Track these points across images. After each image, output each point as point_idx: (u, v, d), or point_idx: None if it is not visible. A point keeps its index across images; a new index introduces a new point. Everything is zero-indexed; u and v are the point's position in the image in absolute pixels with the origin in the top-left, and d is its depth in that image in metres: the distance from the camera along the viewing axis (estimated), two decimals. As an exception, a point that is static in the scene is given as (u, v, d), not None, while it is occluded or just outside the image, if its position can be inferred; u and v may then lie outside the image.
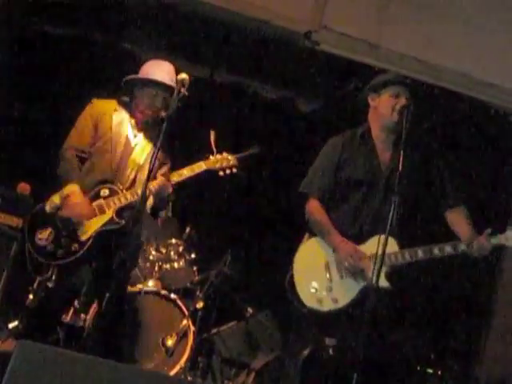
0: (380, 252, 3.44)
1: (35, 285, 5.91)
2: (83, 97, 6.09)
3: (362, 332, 3.26)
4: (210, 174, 4.35)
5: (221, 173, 4.33)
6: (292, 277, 3.85)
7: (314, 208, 3.92)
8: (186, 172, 4.24)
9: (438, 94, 5.61)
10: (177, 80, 3.84)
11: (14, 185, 6.41)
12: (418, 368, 5.58)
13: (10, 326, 5.80)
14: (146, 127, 4.35)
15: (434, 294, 6.30)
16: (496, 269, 6.16)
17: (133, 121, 4.34)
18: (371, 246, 3.70)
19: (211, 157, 4.34)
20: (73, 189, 4.11)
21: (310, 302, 3.75)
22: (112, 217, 4.12)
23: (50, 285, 5.74)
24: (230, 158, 4.36)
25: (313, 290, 3.75)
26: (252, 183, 6.61)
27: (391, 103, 3.80)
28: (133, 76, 4.35)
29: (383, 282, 3.63)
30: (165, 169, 4.37)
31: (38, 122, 6.63)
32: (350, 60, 5.74)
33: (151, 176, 3.64)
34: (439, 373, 5.62)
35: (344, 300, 3.69)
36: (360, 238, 3.79)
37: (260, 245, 6.14)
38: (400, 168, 3.39)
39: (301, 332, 4.01)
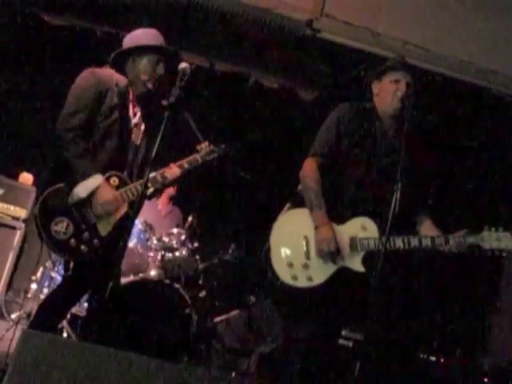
0: (359, 235, 3.61)
1: (38, 274, 5.96)
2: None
3: (368, 321, 3.26)
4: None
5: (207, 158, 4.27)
6: (269, 248, 3.81)
7: (310, 170, 3.84)
8: (186, 165, 4.16)
9: (440, 81, 5.60)
10: (178, 69, 3.82)
11: (16, 175, 6.43)
12: (421, 356, 5.60)
13: (13, 316, 5.84)
14: (145, 103, 4.13)
15: (438, 282, 6.32)
16: (503, 258, 6.17)
17: (131, 96, 4.06)
18: (351, 228, 3.70)
19: (200, 148, 4.26)
20: (99, 181, 3.81)
21: (284, 276, 3.70)
22: (127, 211, 3.88)
23: (53, 274, 5.79)
24: (214, 149, 4.29)
25: (288, 265, 3.71)
26: (254, 172, 6.61)
27: (391, 89, 3.77)
28: (131, 45, 4.04)
29: (359, 267, 3.64)
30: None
31: (40, 112, 6.63)
32: (351, 48, 5.72)
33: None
34: (442, 360, 5.63)
35: (318, 279, 3.66)
36: (349, 214, 3.75)
37: (262, 233, 6.14)
38: (402, 155, 3.37)
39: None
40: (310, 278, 3.67)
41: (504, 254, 3.54)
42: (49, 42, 6.28)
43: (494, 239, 3.53)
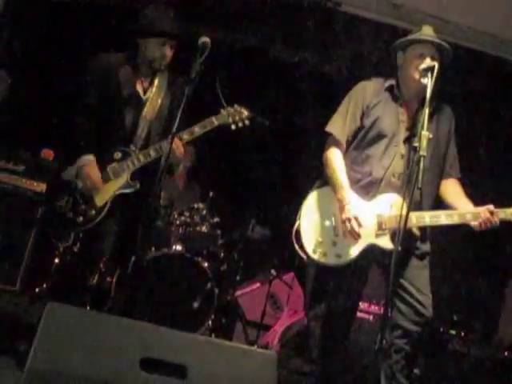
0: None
1: (61, 249, 6.01)
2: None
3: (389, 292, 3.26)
4: (230, 133, 4.19)
5: (233, 126, 4.16)
6: (299, 225, 3.81)
7: (333, 153, 3.83)
8: (197, 129, 4.09)
9: (463, 54, 5.52)
10: (198, 44, 3.80)
11: (38, 151, 6.48)
12: (441, 329, 5.60)
13: (37, 289, 5.90)
14: (155, 80, 4.23)
15: (455, 256, 6.30)
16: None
17: (140, 74, 4.19)
18: (379, 205, 3.68)
19: (222, 110, 4.16)
20: (88, 159, 4.07)
21: (314, 253, 3.72)
22: (127, 180, 4.09)
23: (75, 249, 5.84)
24: (242, 110, 4.19)
25: (318, 242, 3.72)
26: (274, 146, 6.60)
27: (415, 63, 3.70)
28: (141, 28, 4.16)
29: (387, 244, 3.62)
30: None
31: (58, 89, 6.65)
32: (373, 21, 5.67)
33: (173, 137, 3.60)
34: (462, 334, 5.63)
35: (347, 256, 3.67)
36: (374, 188, 3.73)
37: (283, 207, 6.16)
38: (425, 127, 3.32)
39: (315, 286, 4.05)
40: (338, 255, 3.68)
41: None
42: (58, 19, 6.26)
43: None
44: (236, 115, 4.15)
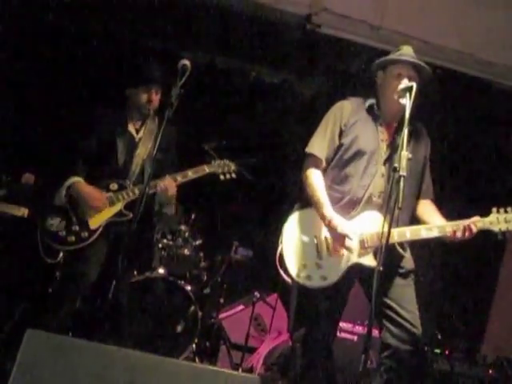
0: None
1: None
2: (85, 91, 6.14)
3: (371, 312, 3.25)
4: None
5: (221, 177, 4.55)
6: (282, 249, 3.79)
7: (312, 172, 3.83)
8: (190, 173, 4.39)
9: (440, 74, 5.57)
10: (178, 66, 3.84)
11: (19, 175, 6.44)
12: (426, 348, 5.59)
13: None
14: (146, 121, 4.51)
15: (438, 275, 6.32)
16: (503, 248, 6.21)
17: (132, 119, 4.48)
18: (360, 223, 3.68)
19: (213, 161, 4.53)
20: (77, 179, 4.28)
21: (299, 277, 3.70)
22: (121, 209, 4.29)
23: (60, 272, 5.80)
24: (230, 164, 4.57)
25: (302, 266, 3.71)
26: (257, 167, 6.61)
27: (393, 84, 3.71)
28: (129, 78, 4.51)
29: (370, 262, 3.61)
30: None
31: (43, 114, 6.63)
32: (351, 42, 5.71)
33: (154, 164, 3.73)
34: (446, 352, 5.63)
35: (332, 278, 3.65)
36: (354, 207, 3.72)
37: (266, 228, 6.15)
38: (404, 147, 3.33)
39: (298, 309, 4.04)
40: (323, 277, 3.66)
41: None
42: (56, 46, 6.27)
43: (502, 221, 3.47)
44: (225, 167, 4.55)
